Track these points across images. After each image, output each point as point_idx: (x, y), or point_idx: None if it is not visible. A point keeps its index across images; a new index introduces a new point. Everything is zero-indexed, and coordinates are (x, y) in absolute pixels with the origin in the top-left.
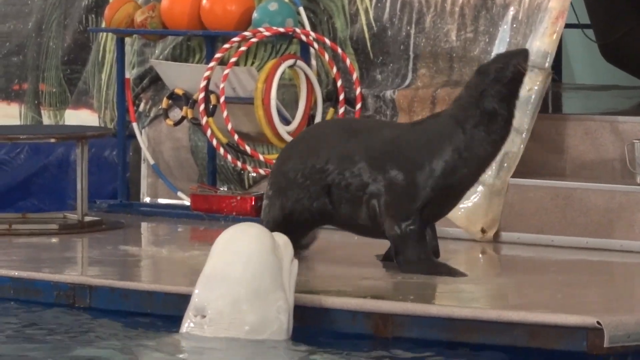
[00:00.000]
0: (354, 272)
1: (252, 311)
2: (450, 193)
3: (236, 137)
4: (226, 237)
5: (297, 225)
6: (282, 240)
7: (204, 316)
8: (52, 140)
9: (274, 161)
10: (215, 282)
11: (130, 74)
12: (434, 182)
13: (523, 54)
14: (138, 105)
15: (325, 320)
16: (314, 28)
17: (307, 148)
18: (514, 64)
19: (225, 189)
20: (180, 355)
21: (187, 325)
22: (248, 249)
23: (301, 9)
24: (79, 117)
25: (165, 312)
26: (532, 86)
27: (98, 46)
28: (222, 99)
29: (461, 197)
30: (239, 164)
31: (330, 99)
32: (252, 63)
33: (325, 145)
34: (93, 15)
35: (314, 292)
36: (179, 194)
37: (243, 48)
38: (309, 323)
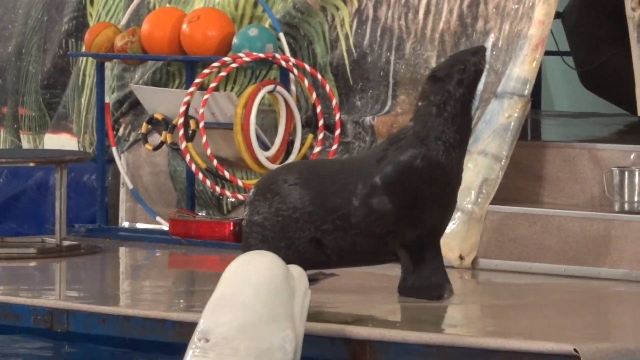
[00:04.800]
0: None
1: (258, 338)
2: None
3: (215, 162)
4: (237, 263)
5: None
6: (297, 271)
7: (207, 340)
8: (31, 164)
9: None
10: (223, 307)
11: (109, 98)
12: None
13: (482, 51)
14: (117, 130)
15: (306, 346)
16: (293, 54)
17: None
18: (475, 62)
19: (204, 214)
20: None
21: (191, 352)
22: (258, 276)
23: (281, 35)
24: (58, 141)
25: (143, 337)
26: (511, 113)
27: (78, 70)
28: (201, 124)
29: (451, 210)
30: (218, 189)
31: (310, 124)
32: (232, 88)
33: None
34: (73, 40)
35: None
36: (158, 218)
37: (223, 73)
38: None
